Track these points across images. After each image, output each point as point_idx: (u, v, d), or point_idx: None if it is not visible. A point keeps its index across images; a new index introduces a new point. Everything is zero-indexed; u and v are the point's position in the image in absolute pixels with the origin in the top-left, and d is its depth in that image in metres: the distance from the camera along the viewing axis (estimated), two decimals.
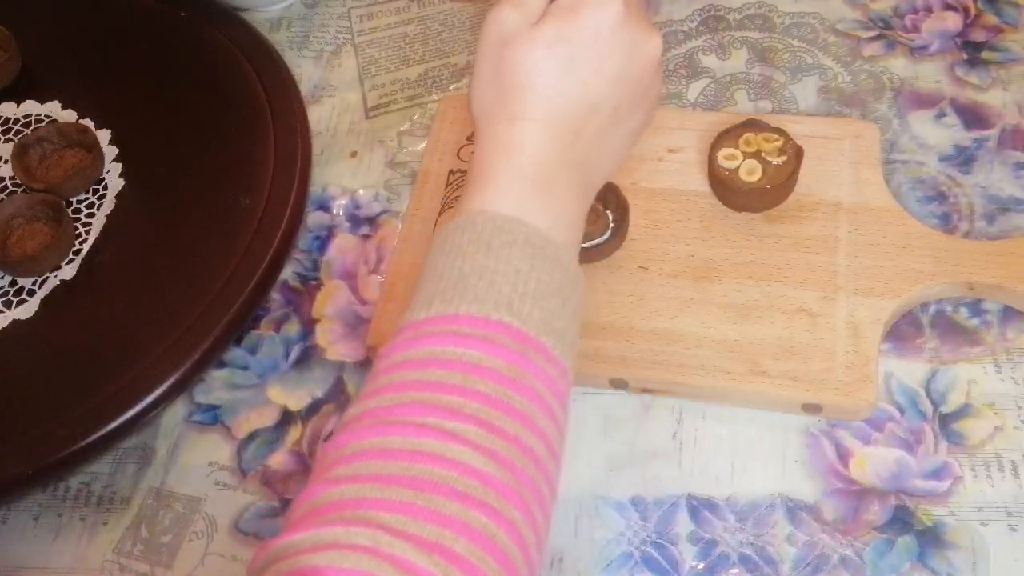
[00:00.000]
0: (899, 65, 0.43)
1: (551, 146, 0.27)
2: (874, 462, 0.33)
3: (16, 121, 0.46)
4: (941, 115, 0.41)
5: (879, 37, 0.44)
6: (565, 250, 0.27)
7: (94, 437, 0.36)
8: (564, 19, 0.27)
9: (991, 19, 0.44)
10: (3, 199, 0.43)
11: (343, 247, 0.42)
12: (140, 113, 0.45)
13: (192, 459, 0.37)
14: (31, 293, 0.40)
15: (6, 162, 0.44)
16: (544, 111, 0.27)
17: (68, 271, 0.41)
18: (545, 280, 0.25)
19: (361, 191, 0.43)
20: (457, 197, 0.41)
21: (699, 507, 0.33)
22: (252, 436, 0.37)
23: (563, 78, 0.27)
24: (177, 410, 0.38)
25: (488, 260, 0.25)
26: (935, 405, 0.34)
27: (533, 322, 0.25)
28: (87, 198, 0.43)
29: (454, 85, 0.46)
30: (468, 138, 0.43)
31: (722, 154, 0.38)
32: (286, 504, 0.35)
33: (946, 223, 0.38)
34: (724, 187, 0.38)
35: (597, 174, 0.30)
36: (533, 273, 0.25)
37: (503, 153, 0.27)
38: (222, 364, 0.39)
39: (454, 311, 0.24)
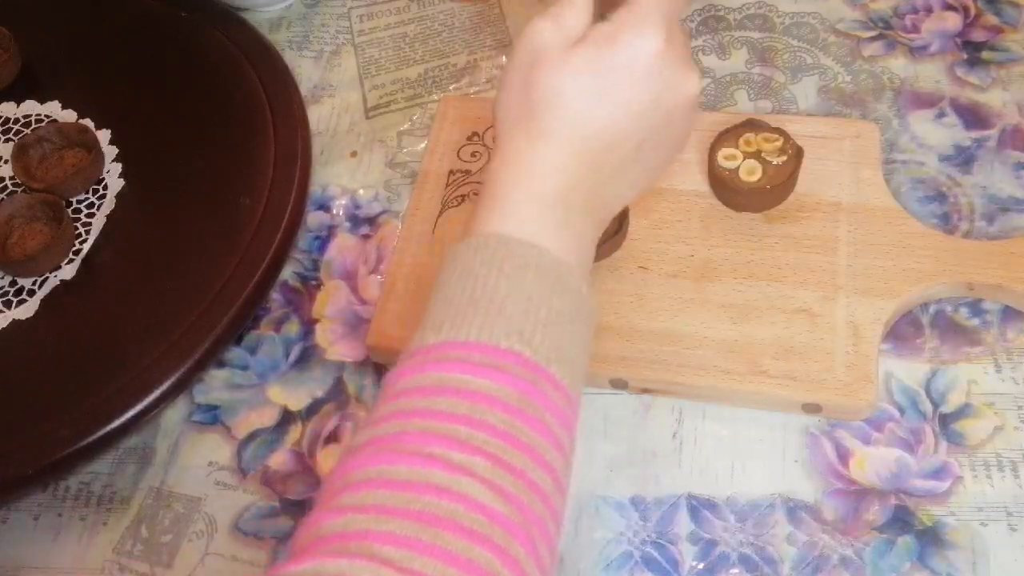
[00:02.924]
0: (899, 65, 0.43)
1: (571, 172, 0.27)
2: (874, 462, 0.33)
3: (16, 121, 0.46)
4: (941, 115, 0.41)
5: (879, 37, 0.44)
6: (578, 277, 0.26)
7: (94, 437, 0.35)
8: (600, 46, 0.26)
9: (991, 19, 0.44)
10: (3, 199, 0.43)
11: (343, 247, 0.42)
12: (140, 113, 0.45)
13: (192, 459, 0.37)
14: (31, 293, 0.40)
15: (6, 162, 0.44)
16: (566, 136, 0.26)
17: (68, 271, 0.41)
18: (557, 307, 0.25)
19: (361, 191, 0.43)
20: (457, 197, 0.41)
21: (699, 507, 0.33)
22: (252, 436, 0.37)
23: (590, 106, 0.26)
24: (177, 410, 0.38)
25: (500, 285, 0.25)
26: (935, 405, 0.34)
27: (544, 351, 0.24)
28: (87, 198, 0.43)
29: (454, 85, 0.46)
30: (468, 138, 0.43)
31: (722, 154, 0.38)
32: (286, 504, 0.35)
33: (946, 223, 0.38)
34: (724, 187, 0.38)
35: (615, 203, 0.29)
36: (546, 300, 0.25)
37: (522, 172, 0.27)
38: (222, 364, 0.39)
39: (464, 338, 0.24)
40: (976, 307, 0.36)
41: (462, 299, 0.25)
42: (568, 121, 0.27)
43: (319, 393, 0.38)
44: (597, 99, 0.27)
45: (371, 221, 0.42)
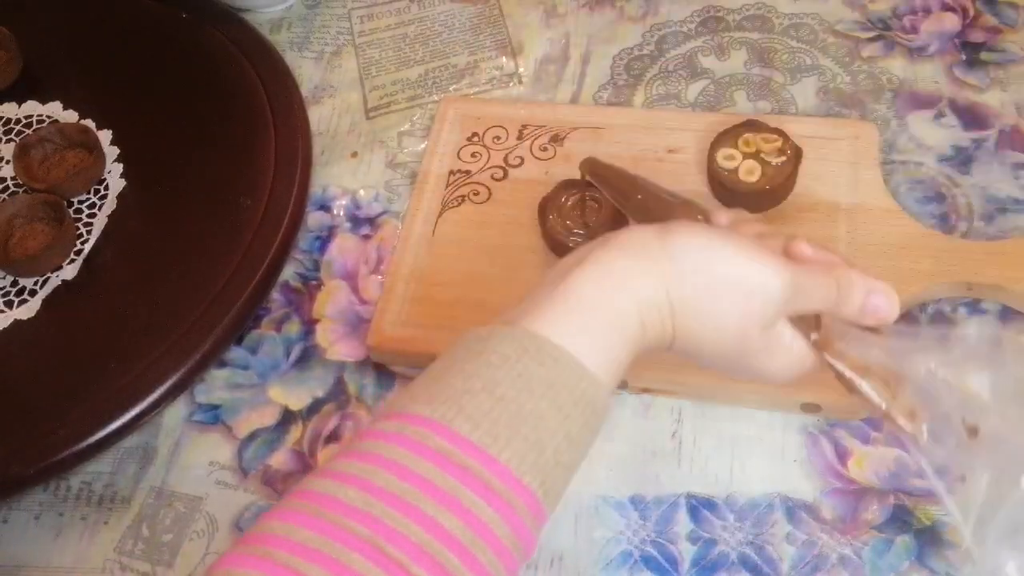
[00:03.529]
0: (898, 66, 0.43)
1: (658, 306, 0.25)
2: (873, 461, 0.33)
3: (18, 121, 0.46)
4: (940, 115, 0.41)
5: (878, 38, 0.44)
6: (607, 405, 0.24)
7: (95, 437, 0.36)
8: (751, 245, 0.25)
9: (990, 20, 0.44)
10: (4, 199, 0.43)
11: (343, 247, 0.42)
12: (141, 114, 0.45)
13: (193, 459, 0.37)
14: (32, 293, 0.40)
15: (8, 162, 0.44)
16: (673, 275, 0.25)
17: (69, 271, 0.41)
18: (584, 444, 0.24)
19: (361, 191, 0.43)
20: (457, 197, 0.41)
21: (698, 506, 0.33)
22: (253, 436, 0.37)
23: (711, 270, 0.25)
24: (178, 410, 0.38)
25: (541, 407, 0.22)
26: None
27: (552, 495, 0.23)
28: (88, 198, 0.43)
29: (454, 86, 0.46)
30: (468, 139, 0.43)
31: (721, 154, 0.38)
32: None
33: (945, 223, 0.38)
34: (723, 187, 0.38)
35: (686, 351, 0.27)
36: (576, 438, 0.23)
37: (607, 286, 0.24)
38: (223, 364, 0.39)
39: (495, 454, 0.22)
40: (975, 307, 0.36)
41: (498, 404, 0.22)
42: (684, 265, 0.25)
43: (320, 393, 0.38)
44: (713, 257, 0.25)
45: (371, 221, 0.42)
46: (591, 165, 0.36)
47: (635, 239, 0.26)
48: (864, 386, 0.26)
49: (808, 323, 0.27)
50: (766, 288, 0.25)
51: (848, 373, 0.26)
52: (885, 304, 0.27)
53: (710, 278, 0.25)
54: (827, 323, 0.27)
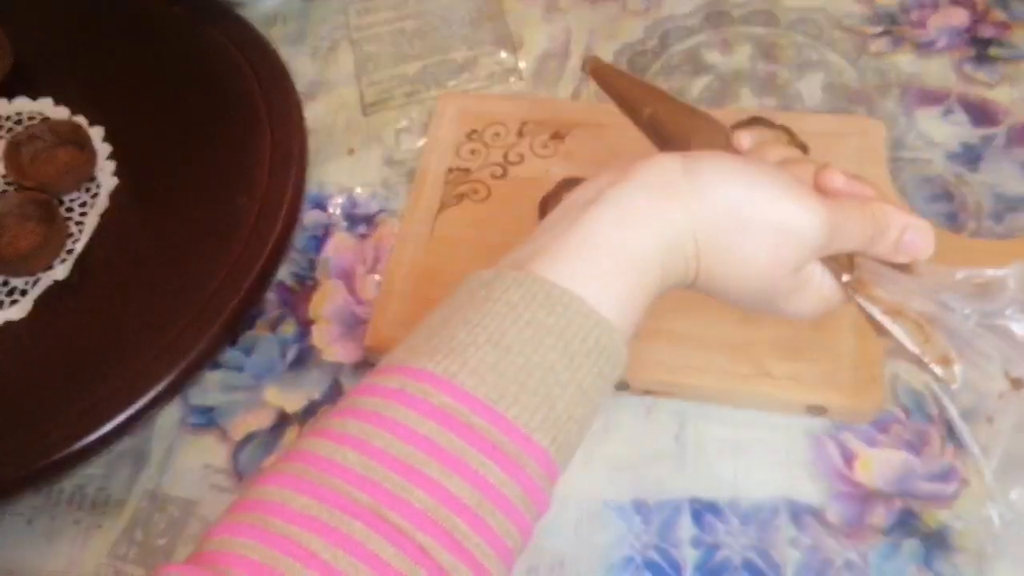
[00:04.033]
0: (906, 61, 0.42)
1: (685, 235, 0.23)
2: (879, 465, 0.33)
3: (8, 118, 0.46)
4: (948, 112, 0.41)
5: (885, 33, 0.44)
6: (623, 353, 0.23)
7: (88, 439, 0.35)
8: (782, 174, 0.24)
9: (999, 15, 0.43)
10: None
11: (340, 246, 0.41)
12: (134, 110, 0.45)
13: (187, 462, 0.36)
14: (23, 293, 0.40)
15: None
16: (699, 206, 0.23)
17: (61, 271, 0.40)
18: (598, 395, 0.22)
19: (358, 189, 0.43)
20: (456, 195, 0.40)
21: (702, 510, 0.33)
22: (248, 438, 0.37)
23: (741, 196, 0.23)
24: (172, 412, 0.38)
25: (551, 358, 0.21)
26: (941, 408, 0.34)
27: (565, 451, 0.21)
28: (80, 196, 0.42)
29: (453, 81, 0.46)
30: (467, 135, 0.42)
31: None
32: None
33: (953, 222, 0.38)
34: None
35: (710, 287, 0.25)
36: (589, 390, 0.22)
37: (626, 227, 0.23)
38: (217, 365, 0.38)
39: (503, 411, 0.20)
40: None
41: (516, 358, 0.21)
42: (714, 203, 0.23)
43: (316, 395, 0.37)
44: (746, 196, 0.23)
45: (369, 220, 0.42)
46: (596, 65, 0.31)
47: (657, 172, 0.23)
48: (896, 329, 0.24)
49: (840, 262, 0.25)
50: (803, 231, 0.23)
51: (879, 316, 0.25)
52: (921, 240, 0.25)
53: (743, 218, 0.23)
54: (860, 263, 0.25)
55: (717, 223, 0.23)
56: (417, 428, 0.20)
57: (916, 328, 0.24)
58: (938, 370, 0.24)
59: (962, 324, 0.24)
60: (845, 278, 0.25)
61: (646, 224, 0.23)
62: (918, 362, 0.25)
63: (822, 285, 0.25)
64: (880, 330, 0.25)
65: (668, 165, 0.23)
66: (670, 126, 0.29)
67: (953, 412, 0.25)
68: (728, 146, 0.27)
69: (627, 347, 0.23)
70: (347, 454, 0.20)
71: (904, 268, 0.25)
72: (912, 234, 0.25)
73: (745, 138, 0.27)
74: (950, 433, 0.33)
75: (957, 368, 0.24)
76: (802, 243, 0.24)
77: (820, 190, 0.25)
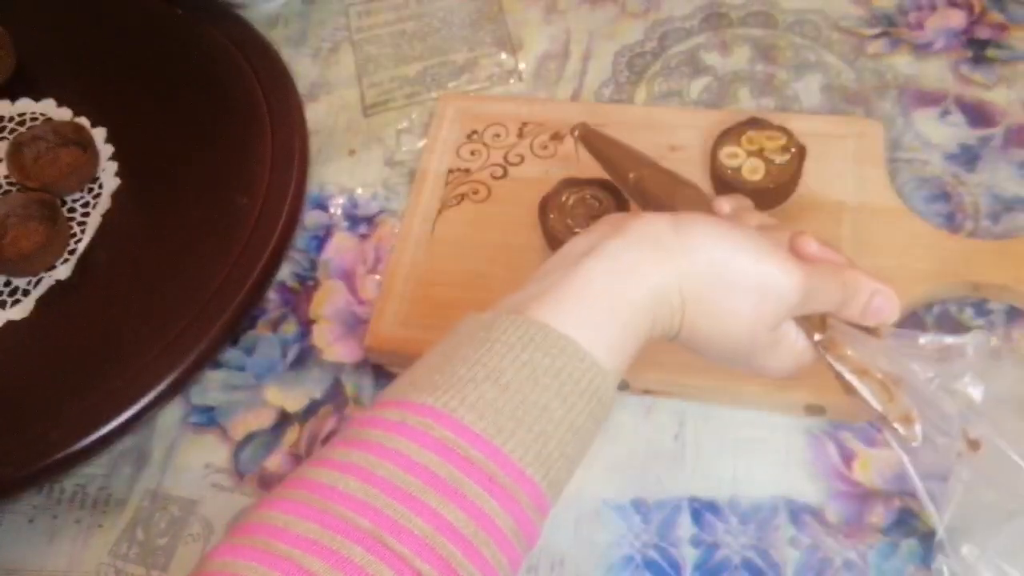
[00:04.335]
0: (903, 63, 0.43)
1: (670, 292, 0.24)
2: (878, 464, 0.33)
3: (11, 119, 0.46)
4: (945, 113, 0.41)
5: (883, 34, 0.44)
6: (613, 397, 0.24)
7: (89, 439, 0.35)
8: (762, 238, 0.25)
9: (996, 17, 0.43)
10: None
11: (341, 247, 0.41)
12: (136, 111, 0.45)
13: (188, 461, 0.36)
14: (26, 293, 0.40)
15: (0, 161, 0.43)
16: (685, 264, 0.24)
17: (63, 271, 0.40)
18: (588, 435, 0.23)
19: (359, 190, 0.43)
20: (456, 196, 0.41)
21: (701, 510, 0.33)
22: (249, 438, 0.37)
23: (723, 258, 0.24)
24: (173, 411, 0.38)
25: (546, 397, 0.22)
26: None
27: (556, 487, 0.22)
28: (82, 197, 0.43)
29: (453, 83, 0.46)
30: (467, 136, 0.42)
31: (724, 152, 0.37)
32: None
33: (951, 222, 0.38)
34: (727, 186, 0.37)
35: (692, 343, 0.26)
36: (581, 430, 0.23)
37: (619, 277, 0.24)
38: (218, 365, 0.38)
39: (499, 445, 0.21)
40: (981, 307, 0.36)
41: (512, 395, 0.22)
42: (699, 260, 0.24)
43: (317, 394, 0.38)
44: (731, 256, 0.24)
45: (369, 220, 0.42)
46: (585, 132, 0.34)
47: (649, 229, 0.25)
48: (862, 388, 0.26)
49: (812, 322, 0.27)
50: (781, 290, 0.25)
51: (847, 375, 0.26)
52: (887, 306, 0.27)
53: (726, 276, 0.25)
54: (832, 324, 0.26)
55: (703, 279, 0.25)
56: (418, 459, 0.21)
57: (881, 388, 0.26)
58: (900, 428, 0.26)
59: (925, 386, 0.26)
60: (817, 337, 0.26)
61: (638, 276, 0.24)
62: (882, 420, 0.26)
63: (796, 343, 0.27)
64: (848, 388, 0.26)
65: (659, 224, 0.25)
66: (654, 190, 0.31)
67: (911, 470, 0.26)
68: (709, 210, 0.29)
69: (615, 392, 0.24)
70: (349, 482, 0.20)
71: (871, 331, 0.27)
72: (880, 299, 0.27)
73: (725, 204, 0.29)
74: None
75: (918, 427, 0.25)
76: (780, 302, 0.25)
77: (795, 254, 0.26)
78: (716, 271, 0.25)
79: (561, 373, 0.22)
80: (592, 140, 0.34)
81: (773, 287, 0.25)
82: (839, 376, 0.26)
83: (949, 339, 0.26)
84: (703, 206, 0.29)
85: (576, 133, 0.34)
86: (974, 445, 0.25)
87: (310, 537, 0.20)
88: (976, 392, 0.26)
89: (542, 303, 0.23)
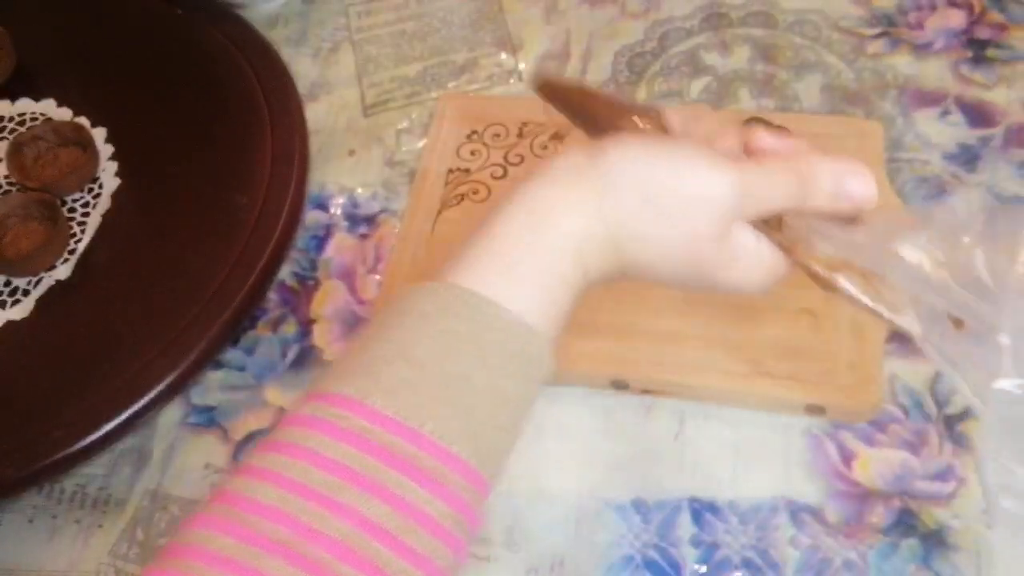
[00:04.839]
0: (903, 63, 0.43)
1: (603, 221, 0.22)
2: (878, 464, 0.33)
3: (11, 119, 0.46)
4: (945, 113, 0.41)
5: (883, 35, 0.44)
6: (548, 354, 0.22)
7: (89, 439, 0.35)
8: (691, 147, 0.23)
9: (996, 17, 0.43)
10: None
11: (341, 246, 0.41)
12: (136, 111, 0.45)
13: (188, 461, 0.36)
14: (26, 293, 0.40)
15: (0, 160, 0.43)
16: (616, 188, 0.22)
17: (63, 271, 0.40)
18: (523, 401, 0.21)
19: (359, 190, 0.43)
20: (456, 196, 0.41)
21: (701, 510, 0.33)
22: (249, 438, 0.37)
23: (652, 177, 0.22)
24: (173, 411, 0.38)
25: (465, 366, 0.20)
26: (940, 407, 0.34)
27: (491, 462, 0.20)
28: (82, 197, 0.43)
29: (453, 83, 0.46)
30: (467, 136, 0.42)
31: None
32: None
33: None
34: None
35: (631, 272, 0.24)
36: (513, 396, 0.21)
37: (534, 223, 0.22)
38: (219, 365, 0.38)
39: (416, 427, 0.19)
40: None
41: (432, 370, 0.20)
42: (619, 184, 0.22)
43: None
44: (649, 174, 0.22)
45: (369, 220, 0.42)
46: (543, 83, 0.29)
47: (563, 163, 0.23)
48: (842, 282, 0.23)
49: (771, 225, 0.24)
50: (711, 197, 0.22)
51: (823, 272, 0.24)
52: (860, 186, 0.23)
53: (649, 196, 0.22)
54: (788, 222, 0.24)
55: (627, 207, 0.22)
56: (332, 455, 0.19)
57: (863, 280, 0.23)
58: (895, 319, 0.23)
59: (906, 269, 0.22)
60: (776, 239, 0.24)
61: (556, 218, 0.22)
62: (872, 313, 0.23)
63: (760, 253, 0.24)
64: (826, 286, 0.24)
65: (574, 157, 0.23)
66: (603, 121, 0.28)
67: (936, 357, 0.22)
68: (656, 129, 0.26)
69: (553, 345, 0.22)
70: (266, 490, 0.19)
71: (854, 221, 0.24)
72: (850, 180, 0.23)
73: (674, 116, 0.26)
74: (949, 433, 0.33)
75: (912, 314, 0.23)
76: (712, 210, 0.22)
77: (750, 153, 0.24)
78: (638, 194, 0.22)
79: (481, 338, 0.21)
80: (554, 89, 0.30)
81: (700, 195, 0.22)
82: (815, 275, 0.24)
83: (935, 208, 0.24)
84: (648, 125, 0.26)
85: (537, 86, 0.30)
86: (958, 324, 0.22)
87: (224, 554, 0.18)
88: (966, 261, 0.21)
89: (458, 265, 0.22)
